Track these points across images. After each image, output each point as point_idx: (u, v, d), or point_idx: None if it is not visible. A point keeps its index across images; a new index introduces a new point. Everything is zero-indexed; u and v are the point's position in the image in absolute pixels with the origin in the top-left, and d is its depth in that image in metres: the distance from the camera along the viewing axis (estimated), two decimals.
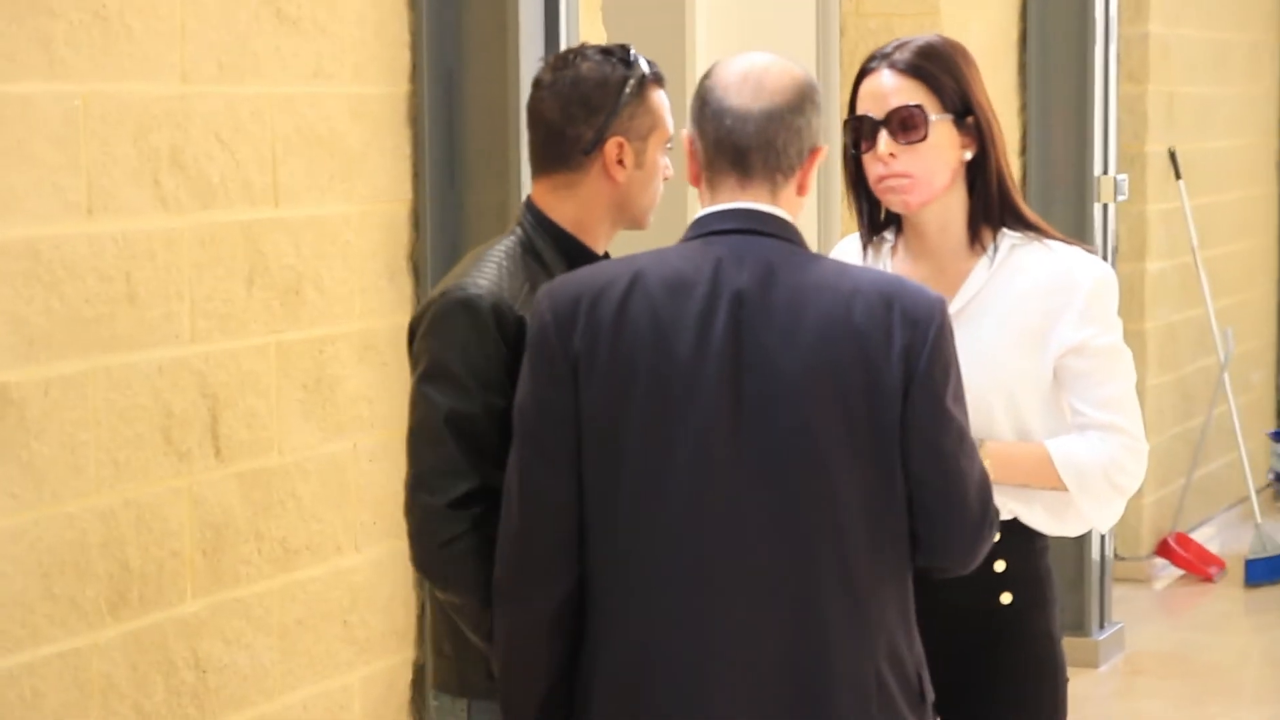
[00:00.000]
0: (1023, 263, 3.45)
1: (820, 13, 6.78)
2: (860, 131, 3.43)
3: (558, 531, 2.94)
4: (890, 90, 3.40)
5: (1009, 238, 3.47)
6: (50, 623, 3.72)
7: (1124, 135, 8.38)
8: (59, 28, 3.71)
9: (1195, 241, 8.92)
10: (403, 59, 4.55)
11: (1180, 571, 8.83)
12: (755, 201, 2.98)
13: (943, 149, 3.41)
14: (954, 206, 3.47)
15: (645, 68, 3.26)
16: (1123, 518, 3.57)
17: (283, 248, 4.23)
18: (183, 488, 4.00)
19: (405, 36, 4.56)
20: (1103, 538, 7.27)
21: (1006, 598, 3.42)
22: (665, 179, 3.31)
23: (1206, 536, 9.27)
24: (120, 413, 3.85)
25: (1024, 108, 7.39)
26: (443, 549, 3.08)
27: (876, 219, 3.55)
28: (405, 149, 4.57)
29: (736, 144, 2.98)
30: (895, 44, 3.45)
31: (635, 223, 3.31)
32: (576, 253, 3.25)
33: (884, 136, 3.40)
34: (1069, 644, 3.74)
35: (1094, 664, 7.35)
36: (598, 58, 3.24)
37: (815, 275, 2.93)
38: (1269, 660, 7.78)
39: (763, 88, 2.99)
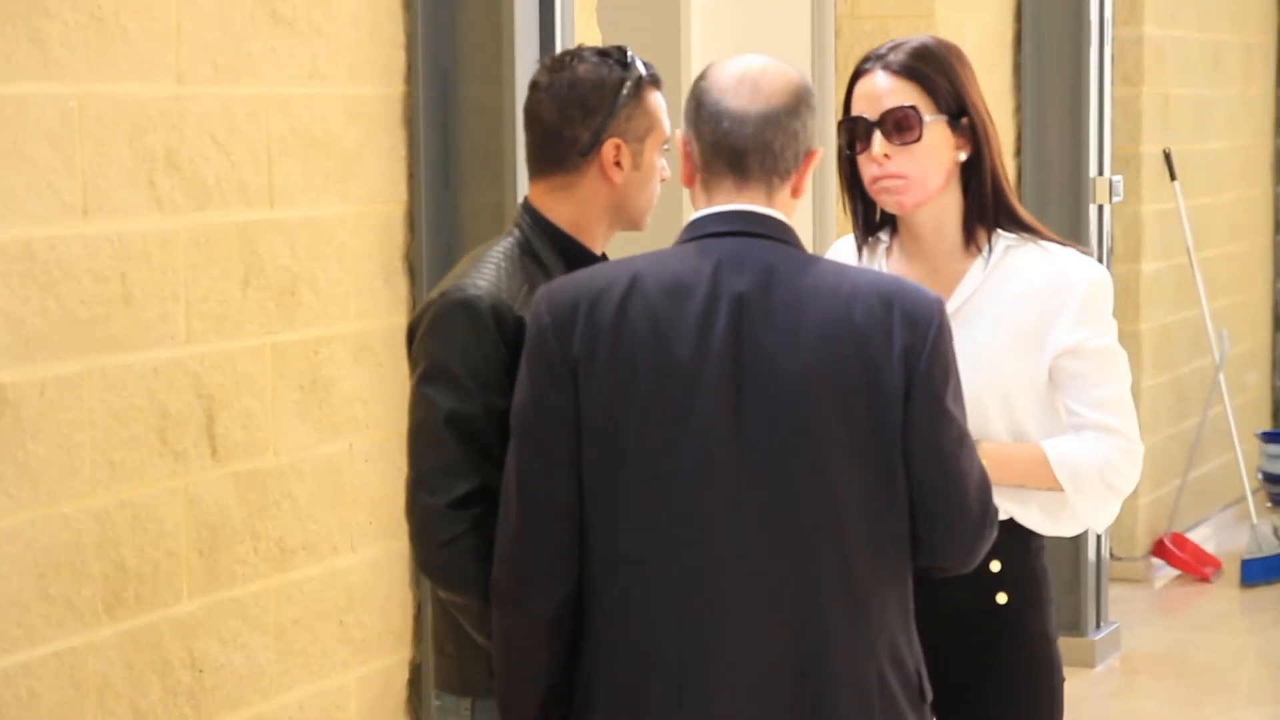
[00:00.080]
0: (1018, 264, 3.45)
1: (815, 14, 6.79)
2: (855, 133, 3.43)
3: (557, 533, 2.94)
4: (884, 91, 3.41)
5: (1004, 239, 3.47)
6: (46, 623, 3.72)
7: (1119, 136, 8.38)
8: (54, 28, 3.71)
9: (1190, 242, 8.92)
10: (398, 60, 4.56)
11: (1176, 571, 8.83)
12: (752, 204, 2.99)
13: (937, 150, 3.42)
14: (949, 207, 3.47)
15: (642, 69, 3.26)
16: (1119, 518, 3.58)
17: (278, 249, 4.23)
18: (178, 488, 4.00)
19: (400, 38, 4.56)
20: (1099, 538, 7.27)
21: (1002, 598, 3.43)
22: (662, 180, 3.32)
23: (1202, 537, 9.27)
24: (116, 413, 3.85)
25: (1019, 109, 7.40)
26: (442, 549, 3.08)
27: (871, 220, 3.55)
28: (400, 150, 4.57)
29: (734, 146, 2.98)
30: (889, 45, 3.46)
31: (632, 224, 3.32)
32: (575, 254, 3.25)
33: (878, 138, 3.40)
34: (1065, 644, 3.74)
35: (1090, 664, 7.35)
36: (595, 59, 3.25)
37: (814, 277, 2.94)
38: (1265, 660, 7.79)
39: (759, 89, 2.99)
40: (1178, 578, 8.81)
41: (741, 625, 2.89)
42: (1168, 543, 8.85)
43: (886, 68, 3.42)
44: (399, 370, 4.54)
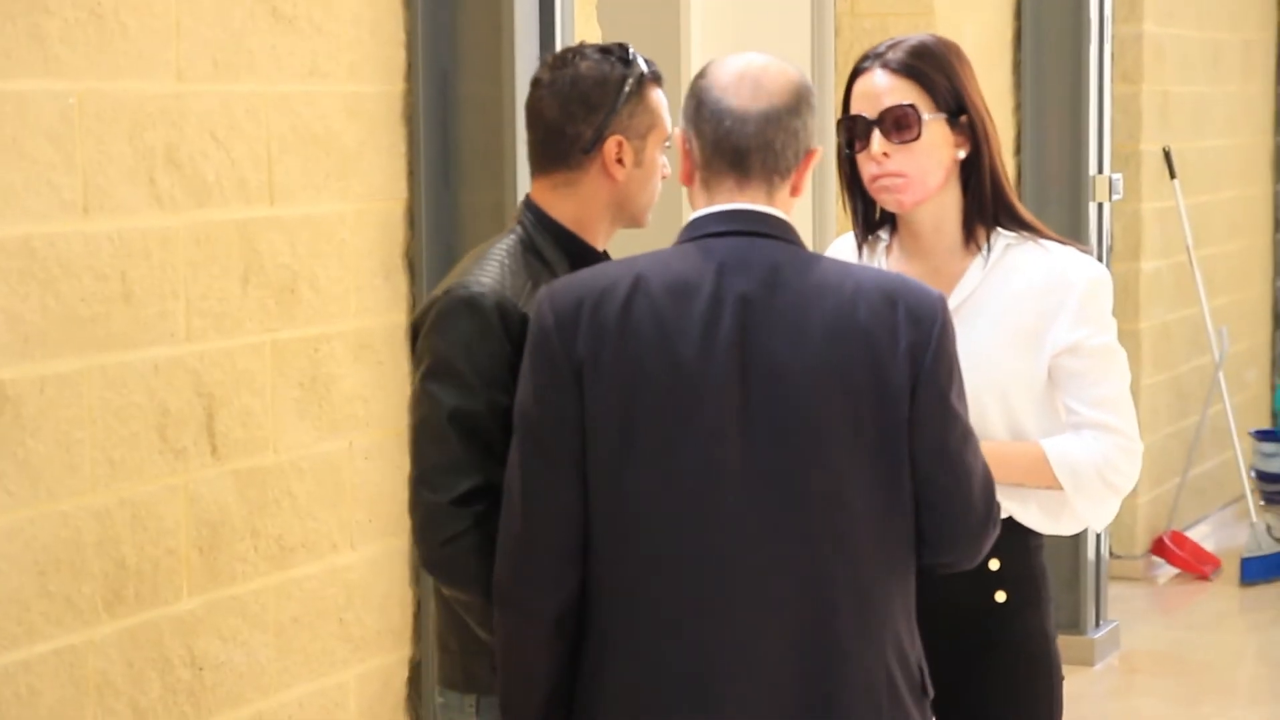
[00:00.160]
0: (1017, 263, 3.46)
1: (815, 12, 6.79)
2: (854, 131, 3.43)
3: (561, 535, 2.93)
4: (883, 90, 3.41)
5: (1003, 237, 3.47)
6: (46, 620, 3.72)
7: (1118, 134, 8.38)
8: (54, 25, 3.71)
9: (1190, 240, 8.92)
10: (398, 57, 4.56)
11: (1176, 570, 8.83)
12: (753, 203, 2.98)
13: (936, 148, 3.42)
14: (948, 205, 3.47)
15: (644, 66, 3.27)
16: (1118, 516, 3.58)
17: (278, 246, 4.23)
18: (178, 486, 4.00)
19: (400, 35, 4.56)
20: (1098, 536, 7.28)
21: (1001, 596, 3.43)
22: (663, 177, 3.32)
23: (1202, 535, 9.28)
24: (116, 411, 3.85)
25: (1019, 107, 7.40)
26: (445, 546, 3.08)
27: (871, 218, 3.55)
28: (400, 147, 4.57)
29: (736, 145, 2.97)
30: (888, 44, 3.46)
31: (634, 221, 3.32)
32: (578, 251, 3.25)
33: (877, 136, 3.40)
34: (1065, 642, 3.75)
35: (1089, 662, 7.36)
36: (596, 57, 3.25)
37: (818, 276, 2.93)
38: (1264, 658, 7.79)
39: (761, 88, 2.98)
40: (1177, 576, 8.81)
41: (749, 626, 2.88)
42: (1167, 541, 8.85)
43: (885, 66, 3.42)
44: (399, 368, 4.54)
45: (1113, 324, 3.46)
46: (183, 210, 3.99)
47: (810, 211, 6.63)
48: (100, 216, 3.81)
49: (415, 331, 3.21)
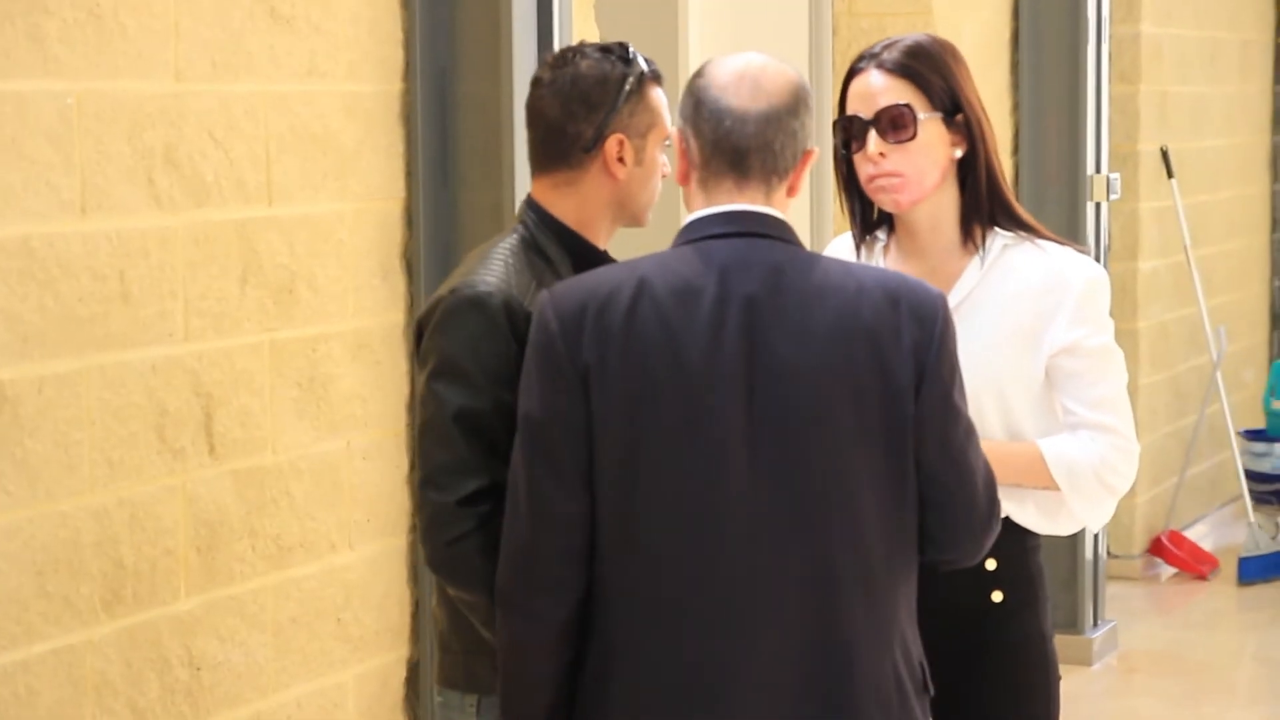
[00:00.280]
0: (1014, 263, 3.46)
1: (813, 12, 6.79)
2: (850, 131, 3.43)
3: (567, 542, 2.92)
4: (879, 90, 3.41)
5: (1001, 237, 3.47)
6: (44, 620, 3.72)
7: (1116, 134, 8.39)
8: (53, 25, 3.71)
9: (1188, 240, 8.93)
10: (396, 57, 4.56)
11: (1174, 569, 8.83)
12: (751, 203, 2.98)
13: (932, 148, 3.42)
14: (945, 205, 3.47)
15: (644, 65, 3.27)
16: (1116, 516, 3.58)
17: (276, 246, 4.23)
18: (177, 486, 4.00)
19: (399, 34, 4.56)
20: (1096, 536, 7.28)
21: (998, 596, 3.43)
22: (664, 176, 3.32)
23: (1200, 534, 9.28)
24: (114, 411, 3.85)
25: (1016, 107, 7.40)
26: (450, 546, 3.08)
27: (869, 218, 3.55)
28: (399, 147, 4.57)
29: (736, 145, 2.97)
30: (884, 44, 3.46)
31: (635, 219, 3.32)
32: (580, 249, 3.25)
33: (873, 136, 3.40)
34: (1062, 642, 3.75)
35: (1087, 662, 7.36)
36: (597, 55, 3.25)
37: (821, 276, 2.93)
38: (1262, 658, 7.79)
39: (760, 88, 2.98)
40: (1175, 575, 8.81)
41: (757, 627, 2.88)
42: (1165, 540, 8.85)
43: (880, 66, 3.42)
44: (397, 368, 4.55)
45: (1110, 324, 3.47)
46: (181, 210, 3.99)
47: (808, 212, 6.63)
48: (99, 216, 3.81)
49: (419, 331, 3.20)
